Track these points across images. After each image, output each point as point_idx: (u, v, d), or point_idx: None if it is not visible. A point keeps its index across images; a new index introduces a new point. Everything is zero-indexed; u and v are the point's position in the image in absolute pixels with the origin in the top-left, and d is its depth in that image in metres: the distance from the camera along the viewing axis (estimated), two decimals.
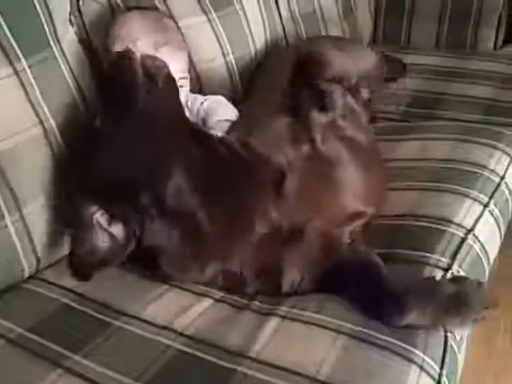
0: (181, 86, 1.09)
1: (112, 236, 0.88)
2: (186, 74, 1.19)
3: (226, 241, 0.89)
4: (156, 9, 1.26)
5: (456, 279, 0.87)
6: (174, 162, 0.88)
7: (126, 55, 0.93)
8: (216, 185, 0.90)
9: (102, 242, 0.89)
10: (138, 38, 1.11)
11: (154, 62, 0.94)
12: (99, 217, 0.88)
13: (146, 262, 0.93)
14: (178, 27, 1.25)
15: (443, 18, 1.87)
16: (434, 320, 0.82)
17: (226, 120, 1.13)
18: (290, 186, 0.90)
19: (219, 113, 1.15)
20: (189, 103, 1.20)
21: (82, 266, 0.91)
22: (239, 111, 1.18)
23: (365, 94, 1.47)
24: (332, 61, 1.01)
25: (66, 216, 0.97)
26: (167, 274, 0.92)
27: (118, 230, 0.88)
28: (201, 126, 1.16)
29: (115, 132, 0.90)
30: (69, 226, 0.97)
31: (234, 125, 1.11)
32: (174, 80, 0.96)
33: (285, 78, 1.18)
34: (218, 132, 1.06)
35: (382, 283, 0.84)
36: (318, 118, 0.98)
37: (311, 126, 0.96)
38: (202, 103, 1.19)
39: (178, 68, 1.09)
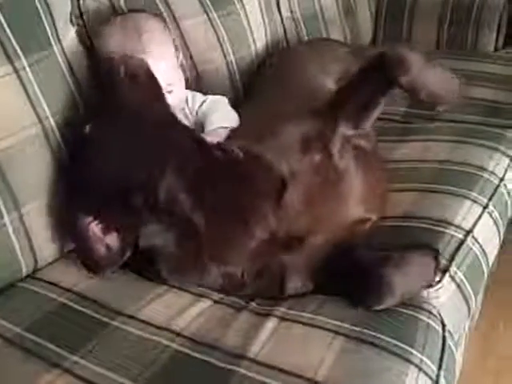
0: (169, 92, 1.07)
1: (107, 245, 0.88)
2: (172, 81, 1.12)
3: (223, 244, 0.89)
4: (144, 11, 1.20)
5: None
6: (165, 161, 0.87)
7: (109, 61, 0.96)
8: (210, 187, 0.89)
9: (98, 251, 0.88)
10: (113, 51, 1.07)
11: (132, 61, 0.95)
12: (94, 227, 0.87)
13: (144, 267, 0.93)
14: (168, 29, 1.21)
15: (444, 19, 1.86)
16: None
17: (224, 127, 1.10)
18: (291, 195, 0.89)
19: (216, 119, 1.13)
20: (189, 101, 1.19)
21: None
22: (239, 114, 1.17)
23: None
24: (412, 65, 0.90)
25: (66, 226, 0.97)
26: (166, 278, 0.92)
27: (113, 239, 0.88)
28: (198, 131, 1.14)
29: (103, 137, 0.90)
30: (68, 235, 0.97)
31: (235, 131, 1.08)
32: (154, 76, 0.97)
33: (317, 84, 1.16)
34: (215, 139, 1.03)
35: (364, 270, 0.86)
36: (345, 132, 0.94)
37: (332, 139, 0.93)
38: (201, 105, 1.18)
39: (159, 78, 1.03)
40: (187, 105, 1.19)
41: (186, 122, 1.15)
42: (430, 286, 0.89)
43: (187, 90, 1.21)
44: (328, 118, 0.94)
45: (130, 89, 0.92)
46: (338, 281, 0.88)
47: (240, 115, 1.18)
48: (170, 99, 1.03)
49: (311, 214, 0.90)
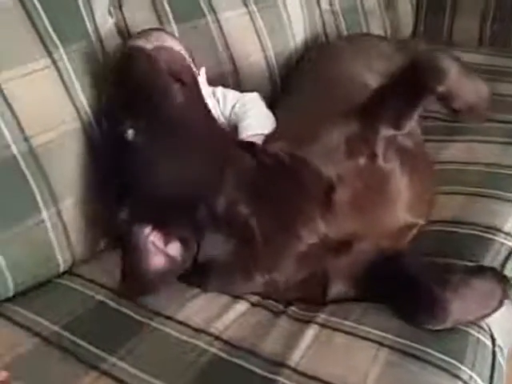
0: None
1: (168, 256, 0.85)
2: None
3: (274, 251, 0.86)
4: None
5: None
6: (223, 170, 0.85)
7: (143, 52, 0.87)
8: (264, 193, 0.87)
9: (157, 263, 0.84)
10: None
11: (173, 55, 0.88)
12: (154, 238, 0.84)
13: (191, 277, 0.90)
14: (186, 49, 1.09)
15: (487, 15, 1.80)
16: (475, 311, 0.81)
17: (259, 134, 1.05)
18: (339, 198, 0.86)
19: (250, 125, 1.07)
20: (220, 101, 1.13)
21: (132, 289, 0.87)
22: (276, 112, 1.12)
23: None
24: (449, 74, 0.86)
25: (117, 237, 0.91)
26: (210, 289, 0.90)
27: (175, 248, 0.85)
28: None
29: (153, 146, 0.85)
30: (120, 249, 0.90)
31: (273, 133, 1.04)
32: (195, 74, 0.91)
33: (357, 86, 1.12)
34: None
35: (416, 284, 0.81)
36: (386, 133, 0.90)
37: (375, 141, 0.89)
38: (233, 107, 1.12)
39: None
40: (218, 105, 1.13)
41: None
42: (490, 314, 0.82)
43: (218, 88, 1.16)
44: (368, 120, 0.90)
45: (175, 91, 0.86)
46: (384, 289, 0.84)
47: (277, 114, 1.14)
48: None
49: (359, 218, 0.87)
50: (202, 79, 1.11)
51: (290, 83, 1.31)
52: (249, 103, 1.13)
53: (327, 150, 0.89)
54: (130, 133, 0.85)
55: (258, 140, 1.03)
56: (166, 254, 0.85)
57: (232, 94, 1.15)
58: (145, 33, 1.08)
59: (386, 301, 0.84)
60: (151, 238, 0.84)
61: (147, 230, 0.84)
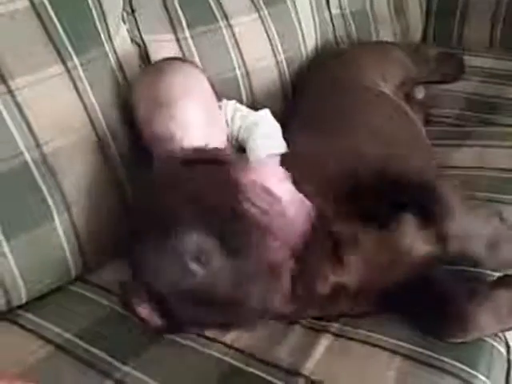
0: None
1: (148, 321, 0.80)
2: (208, 137, 0.98)
3: (290, 306, 0.81)
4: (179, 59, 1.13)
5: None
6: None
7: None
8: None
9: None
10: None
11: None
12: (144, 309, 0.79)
13: None
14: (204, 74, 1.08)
15: (497, 18, 1.79)
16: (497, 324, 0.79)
17: (272, 155, 1.00)
18: (350, 257, 0.81)
19: (261, 145, 1.03)
20: (228, 121, 1.09)
21: None
22: (286, 128, 1.09)
23: (418, 93, 1.43)
24: (452, 220, 0.82)
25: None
26: None
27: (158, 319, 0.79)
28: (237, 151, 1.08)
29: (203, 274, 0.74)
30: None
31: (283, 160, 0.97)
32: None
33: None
34: (268, 175, 0.90)
35: (438, 295, 0.80)
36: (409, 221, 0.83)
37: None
38: (240, 127, 1.08)
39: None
40: (227, 124, 1.10)
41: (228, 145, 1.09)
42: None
43: (230, 103, 1.13)
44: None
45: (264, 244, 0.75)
46: (403, 302, 0.82)
47: (287, 129, 1.09)
48: None
49: (372, 267, 0.82)
50: (222, 112, 1.10)
51: (301, 89, 1.31)
52: (258, 123, 1.09)
53: (331, 192, 0.84)
54: (193, 263, 0.73)
55: (263, 165, 0.99)
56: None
57: (240, 113, 1.11)
58: (164, 62, 1.07)
59: (404, 312, 0.82)
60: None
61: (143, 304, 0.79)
